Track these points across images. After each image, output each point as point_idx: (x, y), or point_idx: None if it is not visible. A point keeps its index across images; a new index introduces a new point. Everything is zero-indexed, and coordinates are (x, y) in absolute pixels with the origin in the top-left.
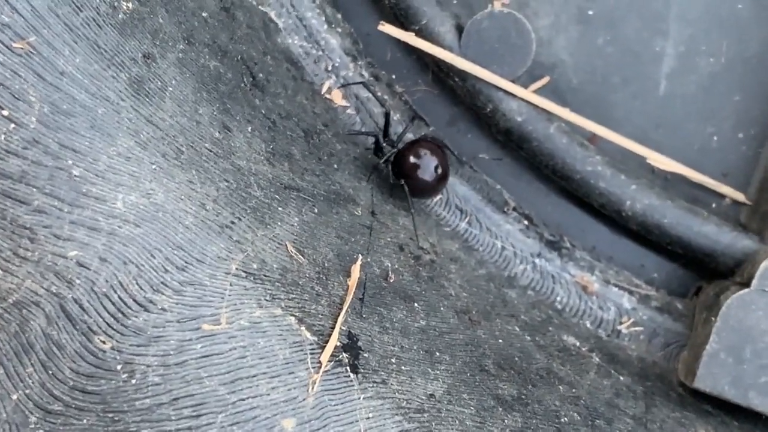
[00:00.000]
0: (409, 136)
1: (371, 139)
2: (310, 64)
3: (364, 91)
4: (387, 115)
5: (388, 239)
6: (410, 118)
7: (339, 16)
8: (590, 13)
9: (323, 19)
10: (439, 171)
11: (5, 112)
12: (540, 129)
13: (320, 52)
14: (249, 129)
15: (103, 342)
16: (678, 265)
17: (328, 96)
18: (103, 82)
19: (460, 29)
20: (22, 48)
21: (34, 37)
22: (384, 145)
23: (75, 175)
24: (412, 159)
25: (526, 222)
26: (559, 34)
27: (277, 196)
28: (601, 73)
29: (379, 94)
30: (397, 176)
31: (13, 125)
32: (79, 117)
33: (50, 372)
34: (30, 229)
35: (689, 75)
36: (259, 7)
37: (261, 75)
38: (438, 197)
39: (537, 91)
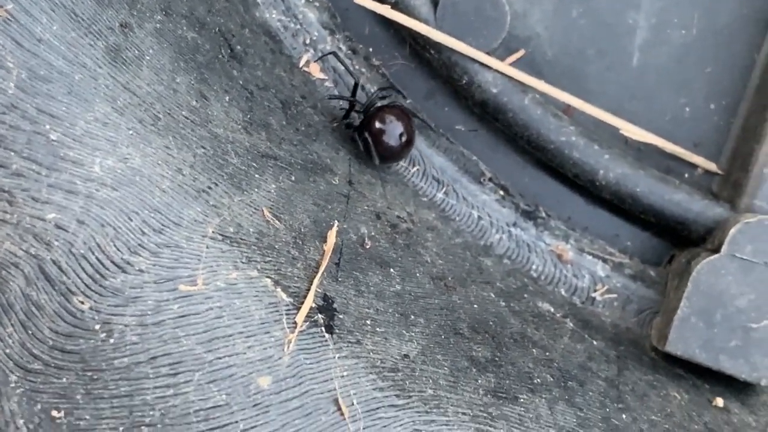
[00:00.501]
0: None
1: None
2: (288, 38)
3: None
4: (356, 85)
5: (365, 207)
6: (380, 86)
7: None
8: None
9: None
10: (404, 137)
11: None
12: (515, 100)
13: (298, 26)
14: (226, 99)
15: (82, 302)
16: (651, 233)
17: (306, 69)
18: (80, 49)
19: (435, 2)
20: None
21: (11, 5)
22: (353, 113)
23: (52, 140)
24: (377, 124)
25: (502, 192)
26: (533, 7)
27: (254, 164)
28: (575, 45)
29: (352, 64)
30: (363, 141)
31: None
32: (57, 83)
33: (30, 332)
34: (8, 192)
35: (661, 47)
36: None
37: (239, 47)
38: (402, 162)
39: (512, 64)
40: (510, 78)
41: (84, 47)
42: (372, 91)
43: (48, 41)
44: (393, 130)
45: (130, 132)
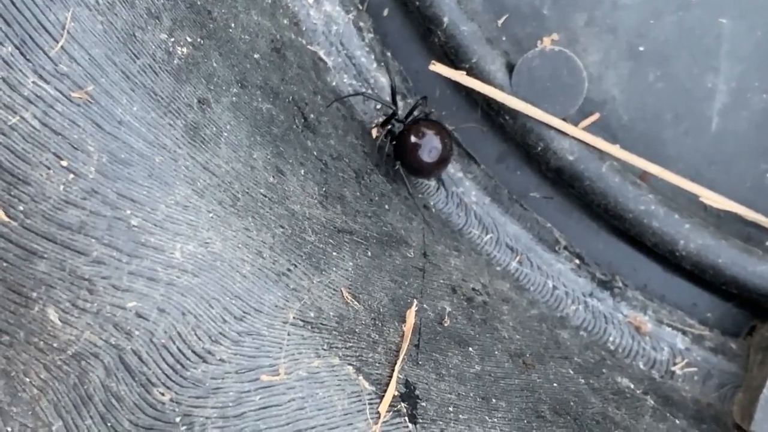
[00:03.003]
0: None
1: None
2: (359, 102)
3: None
4: (393, 89)
5: (441, 281)
6: (420, 97)
7: (388, 54)
8: (641, 49)
9: (372, 57)
10: (438, 153)
11: (64, 163)
12: (592, 168)
13: (369, 91)
14: (302, 172)
15: (162, 394)
16: (732, 304)
17: (376, 134)
18: (160, 129)
19: (510, 67)
20: (80, 97)
21: (92, 87)
22: (392, 121)
23: (133, 225)
24: (413, 138)
25: (577, 261)
26: (609, 71)
27: (331, 241)
28: (652, 109)
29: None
30: (397, 152)
31: (72, 175)
32: (137, 166)
33: (109, 424)
34: (89, 280)
35: (741, 111)
36: (309, 46)
37: (312, 116)
38: (434, 180)
39: (587, 128)
40: (587, 145)
41: (164, 127)
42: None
43: (128, 123)
44: (427, 145)
45: (211, 215)
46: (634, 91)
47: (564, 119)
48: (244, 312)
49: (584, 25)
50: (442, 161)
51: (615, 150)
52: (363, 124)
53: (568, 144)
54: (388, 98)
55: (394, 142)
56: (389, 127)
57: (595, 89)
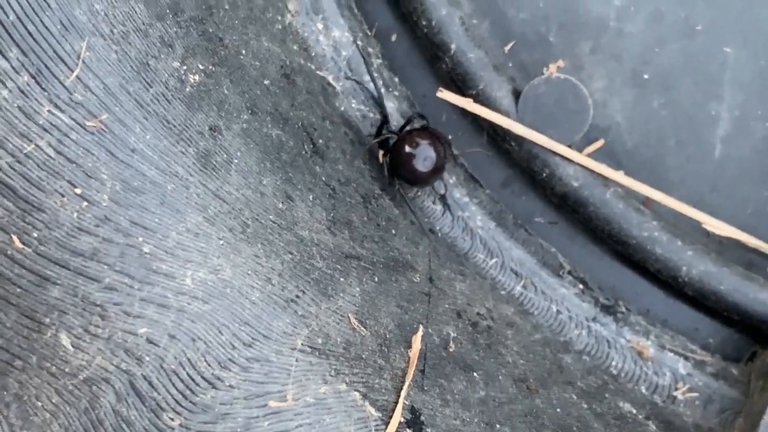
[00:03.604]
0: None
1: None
2: (367, 127)
3: None
4: (380, 97)
5: (446, 306)
6: (414, 113)
7: (396, 79)
8: (645, 76)
9: (380, 82)
10: (432, 162)
11: (78, 190)
12: (596, 194)
13: (377, 116)
14: (310, 197)
15: (172, 419)
16: (733, 330)
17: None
18: (172, 157)
19: (516, 94)
20: (95, 126)
21: (106, 115)
22: (384, 131)
23: (145, 252)
24: (407, 148)
25: (581, 285)
26: (613, 97)
27: (338, 266)
28: (656, 135)
29: (379, 82)
30: (392, 163)
31: (85, 203)
32: (150, 194)
33: None
34: (101, 306)
35: (744, 139)
36: (318, 72)
37: (321, 141)
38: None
39: (592, 154)
40: (591, 171)
41: (176, 155)
42: (450, 181)
43: (141, 151)
44: (421, 154)
45: (221, 242)
46: (638, 117)
47: (569, 146)
48: (253, 338)
49: (589, 53)
50: (437, 170)
51: (619, 177)
52: (371, 148)
53: (572, 170)
54: (394, 119)
55: (388, 155)
56: (383, 138)
57: (599, 115)
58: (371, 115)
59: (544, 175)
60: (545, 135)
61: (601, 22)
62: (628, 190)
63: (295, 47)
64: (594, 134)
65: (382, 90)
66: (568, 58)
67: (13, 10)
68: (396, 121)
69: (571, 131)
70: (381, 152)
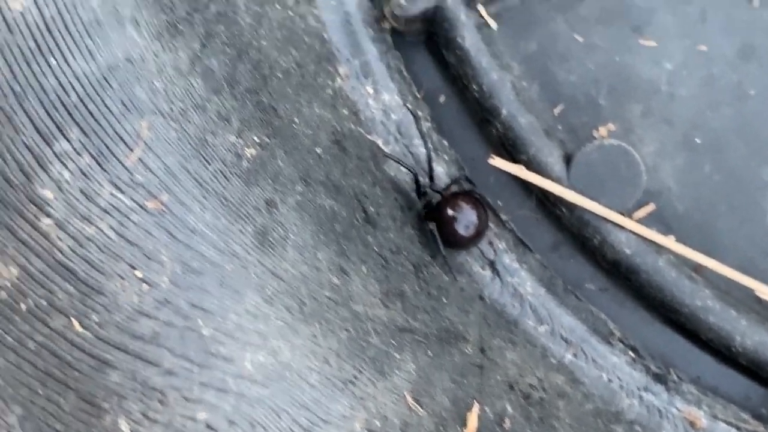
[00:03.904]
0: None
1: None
2: (414, 190)
3: None
4: (429, 158)
5: (498, 378)
6: (459, 175)
7: (445, 143)
8: (697, 140)
9: (430, 147)
10: (474, 228)
11: (139, 273)
12: (649, 262)
13: (426, 180)
14: (364, 269)
15: None
16: None
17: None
18: (230, 236)
19: (567, 159)
20: (155, 207)
21: (166, 196)
22: (426, 189)
23: (205, 335)
24: (450, 211)
25: (632, 353)
26: (664, 161)
27: (393, 342)
28: (707, 200)
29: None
30: (431, 220)
31: (146, 286)
32: (209, 275)
33: None
34: (160, 391)
35: None
36: (368, 136)
37: (372, 209)
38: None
39: (642, 219)
40: (644, 238)
41: (234, 234)
42: (500, 246)
43: (201, 231)
44: (465, 218)
45: (279, 323)
46: (690, 182)
47: (621, 212)
48: (311, 423)
49: (640, 116)
50: (478, 235)
51: (671, 244)
52: (419, 213)
53: (625, 237)
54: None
55: (429, 212)
56: (425, 194)
57: (650, 179)
58: (420, 179)
59: (596, 241)
60: (597, 202)
61: (652, 86)
62: (679, 256)
63: (345, 112)
64: (644, 198)
65: (431, 149)
66: (618, 121)
67: (75, 91)
68: (443, 183)
69: (623, 198)
70: (425, 212)
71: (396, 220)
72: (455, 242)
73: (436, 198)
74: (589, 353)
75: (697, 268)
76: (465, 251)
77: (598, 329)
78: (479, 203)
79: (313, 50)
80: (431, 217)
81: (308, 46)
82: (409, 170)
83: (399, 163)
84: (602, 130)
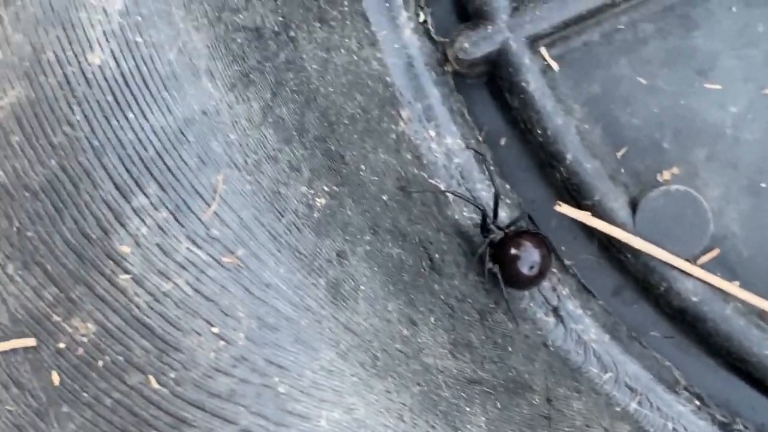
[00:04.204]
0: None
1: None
2: (477, 235)
3: None
4: (496, 196)
5: (566, 429)
6: (523, 213)
7: (507, 186)
8: (762, 185)
9: (493, 191)
10: (538, 268)
11: (215, 329)
12: (716, 310)
13: (489, 225)
14: (432, 319)
15: None
16: None
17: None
18: (305, 290)
19: (632, 204)
20: (231, 262)
21: (242, 250)
22: (491, 226)
23: (281, 393)
24: (513, 250)
25: (697, 402)
26: (729, 206)
27: (463, 394)
28: None
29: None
30: (493, 259)
31: (222, 342)
32: (284, 331)
33: None
34: None
35: None
36: (430, 180)
37: (437, 255)
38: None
39: (706, 264)
40: (711, 285)
41: (308, 288)
42: (563, 293)
43: (276, 286)
44: (527, 258)
45: (354, 378)
46: (755, 227)
47: (687, 259)
48: None
49: (705, 160)
50: (541, 275)
51: (738, 291)
52: (481, 256)
53: (691, 285)
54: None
55: (492, 250)
56: (489, 231)
57: (715, 224)
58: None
59: (662, 289)
60: (663, 248)
61: (717, 129)
62: (745, 303)
63: (408, 156)
64: (709, 243)
65: (499, 186)
66: (682, 165)
67: (153, 145)
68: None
69: (689, 245)
70: (488, 250)
71: (460, 266)
72: (518, 282)
73: (499, 236)
74: (654, 401)
75: (763, 315)
76: (528, 293)
77: (663, 377)
78: (543, 242)
79: (376, 94)
80: (494, 258)
81: (372, 90)
82: (476, 206)
83: (465, 199)
84: (666, 174)
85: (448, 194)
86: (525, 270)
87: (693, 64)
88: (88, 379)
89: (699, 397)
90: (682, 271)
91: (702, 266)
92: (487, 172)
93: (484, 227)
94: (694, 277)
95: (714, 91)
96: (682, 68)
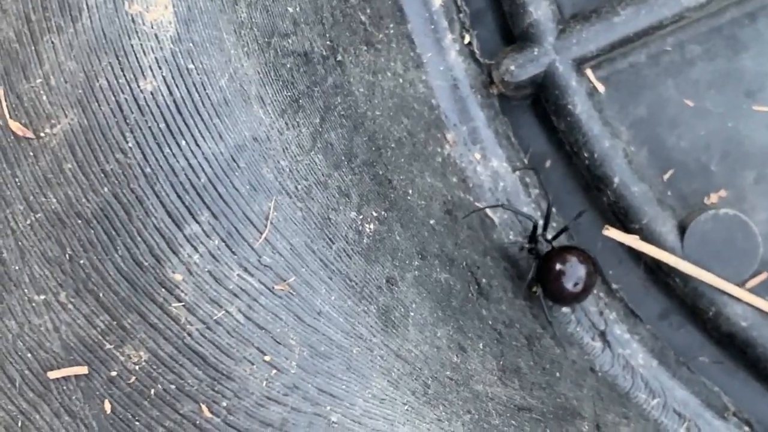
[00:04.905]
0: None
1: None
2: (523, 259)
3: None
4: (549, 208)
5: None
6: (569, 224)
7: (553, 209)
8: None
9: (538, 214)
10: (582, 284)
11: (267, 358)
12: (766, 335)
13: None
14: (480, 345)
15: None
16: None
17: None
18: (356, 318)
19: (681, 228)
20: (282, 289)
21: (293, 277)
22: (539, 239)
23: (333, 422)
24: (558, 265)
25: (747, 428)
26: None
27: (513, 422)
28: None
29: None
30: (540, 277)
31: (275, 371)
32: (336, 359)
33: None
34: None
35: None
36: (476, 203)
37: (484, 280)
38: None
39: (754, 288)
40: (760, 310)
41: (359, 315)
42: (611, 317)
43: (327, 314)
44: (573, 273)
45: (405, 407)
46: None
47: (736, 283)
48: None
49: (753, 183)
50: (585, 291)
51: None
52: (529, 283)
53: (741, 310)
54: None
55: (537, 262)
56: (534, 245)
57: (764, 248)
58: (527, 245)
59: (710, 313)
60: (712, 273)
61: (765, 152)
62: None
63: (454, 180)
64: (758, 267)
65: (550, 200)
66: (730, 188)
67: (205, 172)
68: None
69: (739, 269)
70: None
71: (507, 291)
72: (561, 297)
73: (547, 248)
74: (703, 427)
75: None
76: (574, 317)
77: (711, 403)
78: (589, 259)
79: (422, 117)
80: (539, 272)
81: (418, 113)
82: (527, 217)
83: (516, 212)
84: (713, 197)
85: (495, 219)
86: (569, 286)
87: (741, 86)
88: (141, 408)
89: (748, 423)
90: (731, 296)
91: (751, 290)
92: (539, 185)
93: (533, 238)
94: (744, 302)
95: (762, 113)
96: (730, 90)
